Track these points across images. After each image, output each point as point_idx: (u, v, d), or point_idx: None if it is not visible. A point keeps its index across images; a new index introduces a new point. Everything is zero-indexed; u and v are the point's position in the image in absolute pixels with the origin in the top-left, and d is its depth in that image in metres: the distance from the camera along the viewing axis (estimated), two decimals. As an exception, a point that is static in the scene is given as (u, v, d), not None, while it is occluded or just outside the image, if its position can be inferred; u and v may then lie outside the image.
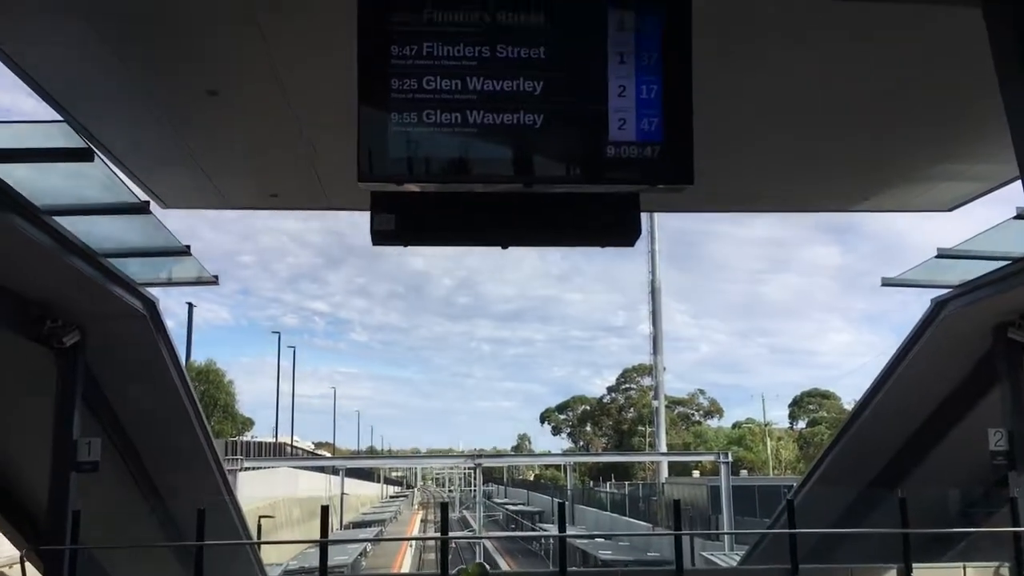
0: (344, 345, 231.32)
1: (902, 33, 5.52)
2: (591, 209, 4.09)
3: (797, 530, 13.28)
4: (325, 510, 11.66)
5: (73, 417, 10.93)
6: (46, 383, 11.10)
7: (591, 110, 3.87)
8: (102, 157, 8.00)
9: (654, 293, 55.33)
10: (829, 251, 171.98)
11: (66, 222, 8.85)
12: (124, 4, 5.43)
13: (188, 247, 9.83)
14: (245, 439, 66.60)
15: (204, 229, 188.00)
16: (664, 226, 57.43)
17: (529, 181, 3.91)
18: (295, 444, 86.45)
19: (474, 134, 3.81)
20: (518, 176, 3.90)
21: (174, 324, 66.30)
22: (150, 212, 8.68)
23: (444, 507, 12.35)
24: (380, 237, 4.34)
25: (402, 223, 4.25)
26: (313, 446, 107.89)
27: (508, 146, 3.84)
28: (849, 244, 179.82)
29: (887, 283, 11.82)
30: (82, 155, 7.49)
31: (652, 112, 3.84)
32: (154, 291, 11.40)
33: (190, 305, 63.73)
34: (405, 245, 4.46)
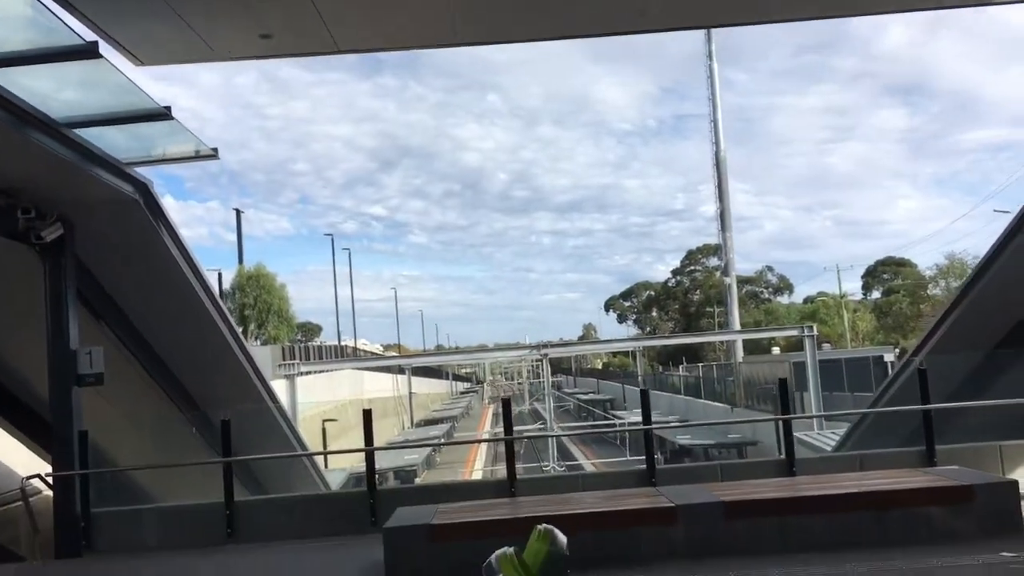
0: (404, 248, 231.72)
1: None
2: None
3: (949, 404, 11.32)
4: (368, 415, 10.07)
5: (68, 324, 9.45)
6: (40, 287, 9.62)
7: None
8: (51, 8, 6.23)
9: (719, 165, 52.47)
10: (895, 114, 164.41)
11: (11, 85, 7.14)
12: None
13: (168, 108, 8.01)
14: (315, 343, 66.48)
15: (255, 139, 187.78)
16: (722, 102, 54.14)
17: None
18: (362, 347, 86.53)
19: None
20: None
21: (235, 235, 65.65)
22: (99, 55, 6.83)
23: (507, 404, 10.74)
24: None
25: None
26: (382, 348, 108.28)
27: None
28: (917, 105, 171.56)
29: None
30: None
31: None
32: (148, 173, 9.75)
33: (238, 212, 63.33)
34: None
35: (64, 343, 9.38)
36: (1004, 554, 6.55)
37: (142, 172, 9.57)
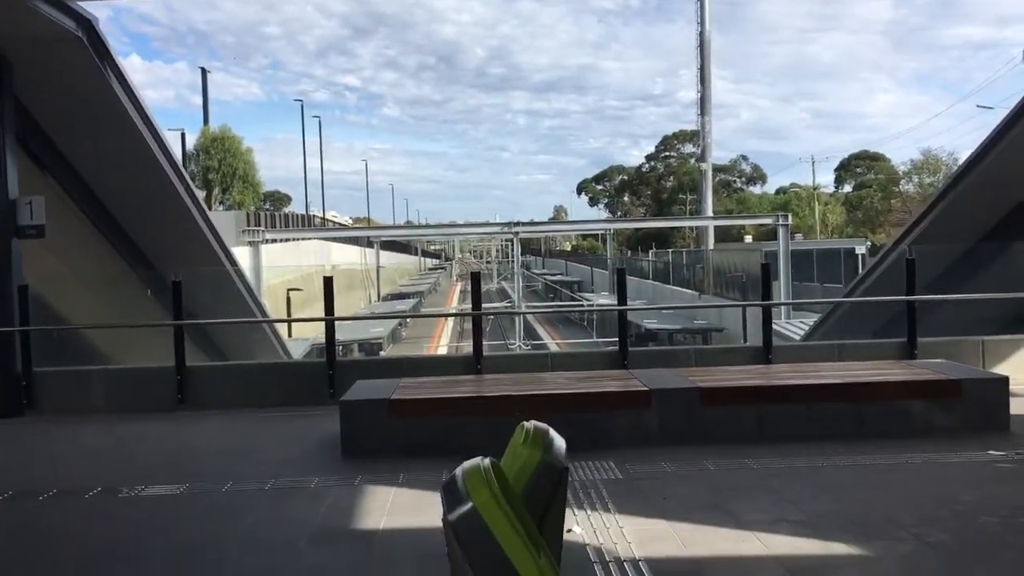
0: (377, 120, 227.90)
1: None
2: None
3: (937, 296, 11.04)
4: (329, 282, 9.55)
5: (6, 171, 8.74)
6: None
7: None
8: None
9: (703, 46, 51.01)
10: (880, 4, 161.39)
11: None
12: None
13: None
14: (283, 213, 65.37)
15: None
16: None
17: None
18: (332, 219, 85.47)
19: None
20: None
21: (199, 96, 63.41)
22: None
23: (475, 278, 10.27)
24: None
25: None
26: (351, 221, 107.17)
27: None
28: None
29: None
30: None
31: None
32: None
33: (203, 70, 61.18)
34: None
35: (2, 192, 8.70)
36: (992, 452, 6.28)
37: (90, 9, 8.73)
